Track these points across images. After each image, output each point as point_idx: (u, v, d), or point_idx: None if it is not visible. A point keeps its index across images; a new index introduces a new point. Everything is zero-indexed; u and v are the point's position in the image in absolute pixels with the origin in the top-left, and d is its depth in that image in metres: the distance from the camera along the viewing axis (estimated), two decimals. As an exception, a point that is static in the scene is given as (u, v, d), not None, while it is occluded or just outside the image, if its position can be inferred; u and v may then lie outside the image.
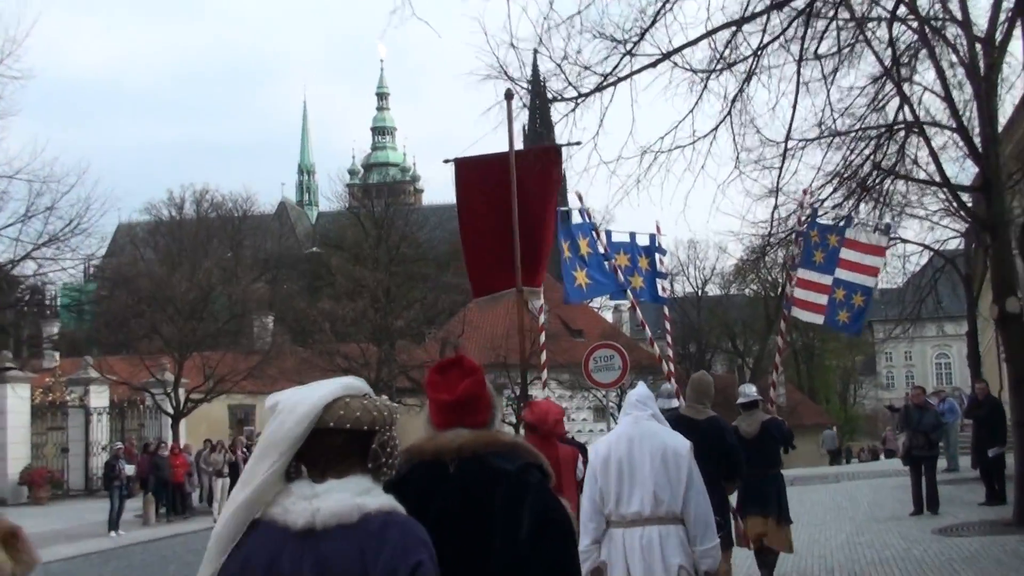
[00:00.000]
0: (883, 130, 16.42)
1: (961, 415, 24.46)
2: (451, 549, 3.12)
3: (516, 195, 11.26)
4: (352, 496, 2.59)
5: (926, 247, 25.78)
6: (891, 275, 27.12)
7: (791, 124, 13.61)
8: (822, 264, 13.37)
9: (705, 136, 12.89)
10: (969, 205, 17.59)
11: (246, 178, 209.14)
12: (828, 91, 14.44)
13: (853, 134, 16.60)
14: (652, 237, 13.91)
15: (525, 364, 11.40)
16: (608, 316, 67.34)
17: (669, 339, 14.33)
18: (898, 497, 19.38)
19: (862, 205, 18.24)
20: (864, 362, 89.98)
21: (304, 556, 2.53)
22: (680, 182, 35.79)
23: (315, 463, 2.66)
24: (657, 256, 13.94)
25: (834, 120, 15.29)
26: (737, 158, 13.38)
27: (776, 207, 14.96)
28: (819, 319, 13.72)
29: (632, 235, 13.86)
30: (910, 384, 68.56)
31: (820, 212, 14.83)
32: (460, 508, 3.29)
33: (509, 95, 11.54)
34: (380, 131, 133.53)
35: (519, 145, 12.41)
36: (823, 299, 13.33)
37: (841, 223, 13.99)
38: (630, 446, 6.17)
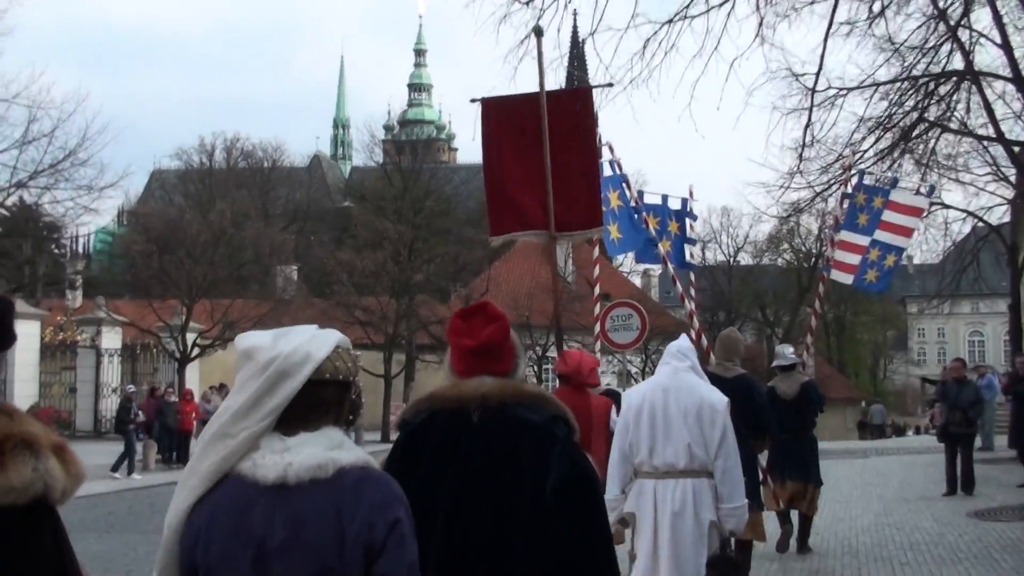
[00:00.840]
0: (932, 79, 15.17)
1: (999, 391, 23.30)
2: (474, 501, 3.13)
3: (547, 136, 10.70)
4: (325, 450, 2.49)
5: (970, 214, 24.16)
6: (931, 246, 25.57)
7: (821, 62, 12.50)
8: (864, 226, 13.16)
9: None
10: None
11: (281, 132, 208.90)
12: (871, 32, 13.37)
13: (898, 84, 15.43)
14: (684, 201, 13.75)
15: (558, 313, 11.12)
16: (637, 280, 66.38)
17: (692, 305, 13.42)
18: (931, 476, 18.10)
19: (904, 161, 17.21)
20: (896, 337, 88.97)
21: (276, 512, 2.43)
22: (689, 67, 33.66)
23: (288, 415, 2.52)
24: (688, 221, 13.78)
25: (878, 67, 14.24)
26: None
27: (801, 156, 13.95)
28: (849, 279, 13.56)
29: (664, 198, 13.71)
30: (942, 361, 67.42)
31: (860, 164, 13.84)
32: (483, 459, 3.19)
33: (539, 31, 11.04)
34: (416, 88, 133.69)
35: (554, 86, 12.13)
36: (856, 259, 13.15)
37: (887, 186, 13.73)
38: (665, 397, 6.02)
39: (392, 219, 46.81)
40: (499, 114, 11.13)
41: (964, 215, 23.82)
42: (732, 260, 68.45)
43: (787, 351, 11.45)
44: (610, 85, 15.28)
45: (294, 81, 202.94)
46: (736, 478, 5.95)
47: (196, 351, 35.76)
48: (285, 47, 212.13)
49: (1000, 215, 25.83)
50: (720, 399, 6.05)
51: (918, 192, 14.26)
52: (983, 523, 13.17)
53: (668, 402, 5.99)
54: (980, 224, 25.11)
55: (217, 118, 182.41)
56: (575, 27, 40.12)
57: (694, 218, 14.01)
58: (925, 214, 15.13)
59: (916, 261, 79.83)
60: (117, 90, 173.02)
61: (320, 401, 2.56)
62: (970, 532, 12.44)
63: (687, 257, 13.92)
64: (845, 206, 13.59)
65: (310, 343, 2.57)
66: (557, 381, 7.72)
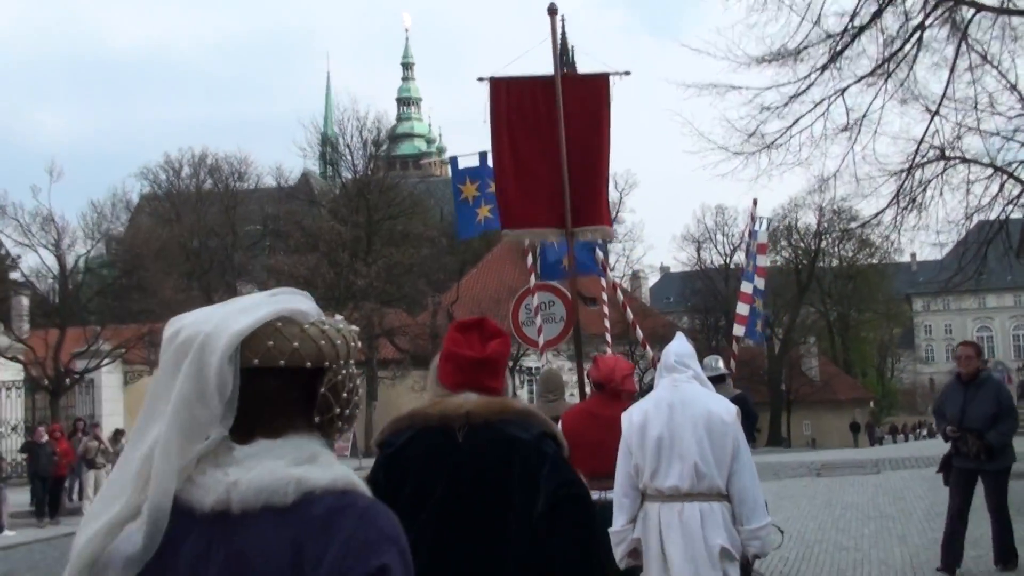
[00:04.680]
0: None
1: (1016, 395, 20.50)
2: (460, 525, 3.10)
3: (563, 122, 10.27)
4: (288, 465, 1.82)
5: (997, 169, 20.12)
6: (948, 212, 22.35)
7: None
8: (749, 274, 12.63)
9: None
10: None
11: (273, 151, 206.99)
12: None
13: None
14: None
15: (575, 317, 10.61)
16: (626, 283, 64.23)
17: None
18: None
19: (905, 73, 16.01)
20: (902, 335, 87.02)
21: (212, 549, 1.80)
22: None
23: (239, 417, 1.85)
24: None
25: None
26: None
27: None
28: (740, 331, 12.55)
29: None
30: (952, 360, 65.31)
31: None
32: (471, 480, 3.14)
33: (552, 10, 10.71)
34: (405, 101, 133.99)
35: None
36: (745, 309, 12.43)
37: (756, 227, 13.02)
38: (670, 413, 5.54)
39: (341, 224, 44.44)
40: (509, 95, 10.58)
41: (990, 170, 20.01)
42: (728, 260, 66.12)
43: (715, 362, 10.16)
44: (627, 73, 14.16)
45: (280, 100, 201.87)
46: (755, 496, 5.40)
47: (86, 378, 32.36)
48: (272, 66, 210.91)
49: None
50: (728, 410, 5.55)
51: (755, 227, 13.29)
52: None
53: (673, 419, 5.50)
54: (990, 218, 21.43)
55: (207, 139, 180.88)
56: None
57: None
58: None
59: (918, 251, 78.33)
60: (108, 115, 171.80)
61: (258, 397, 1.86)
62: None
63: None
64: (747, 255, 12.99)
65: (227, 313, 1.87)
66: (588, 388, 7.48)
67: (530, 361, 26.53)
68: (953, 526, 9.45)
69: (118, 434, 23.60)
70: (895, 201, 19.11)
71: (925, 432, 58.39)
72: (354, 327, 2.03)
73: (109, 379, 34.82)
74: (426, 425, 3.21)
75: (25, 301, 37.66)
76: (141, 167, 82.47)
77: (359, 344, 2.02)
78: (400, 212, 51.06)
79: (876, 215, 20.08)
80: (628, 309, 12.60)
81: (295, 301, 1.95)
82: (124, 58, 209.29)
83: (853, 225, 24.52)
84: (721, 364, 10.20)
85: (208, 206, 67.25)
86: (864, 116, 17.99)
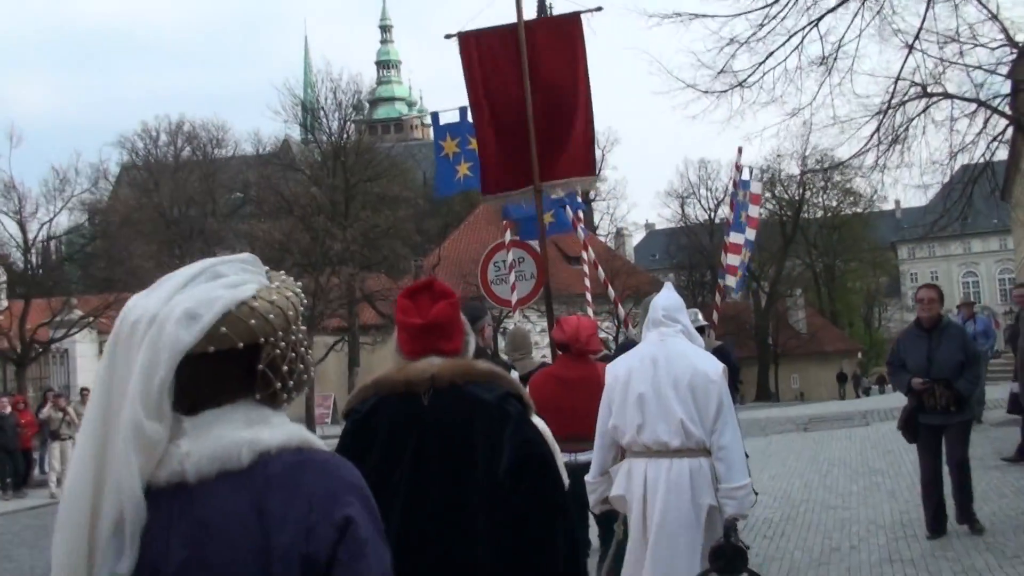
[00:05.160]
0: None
1: (997, 338, 19.85)
2: (428, 487, 3.10)
3: (528, 73, 9.97)
4: (237, 428, 1.80)
5: (982, 104, 19.14)
6: (932, 151, 21.58)
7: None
8: (741, 224, 12.38)
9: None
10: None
11: (253, 119, 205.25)
12: None
13: None
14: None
15: (546, 278, 10.31)
16: (610, 243, 63.96)
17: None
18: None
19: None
20: (888, 284, 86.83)
21: (173, 522, 1.77)
22: None
23: (180, 394, 1.80)
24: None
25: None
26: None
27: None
28: (734, 282, 12.50)
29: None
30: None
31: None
32: (437, 442, 3.15)
33: None
34: (385, 65, 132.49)
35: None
36: (737, 260, 12.25)
37: (743, 176, 12.74)
38: (655, 368, 5.37)
39: (317, 188, 43.62)
40: (479, 49, 10.30)
41: (973, 106, 19.09)
42: (712, 215, 65.71)
43: (694, 315, 9.12)
44: (599, 9, 13.61)
45: (258, 68, 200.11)
46: (736, 455, 5.28)
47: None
48: (249, 34, 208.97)
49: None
50: (715, 367, 5.41)
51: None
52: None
53: (657, 374, 5.36)
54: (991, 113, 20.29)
55: (183, 109, 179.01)
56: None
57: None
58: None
59: (903, 198, 77.86)
60: (85, 86, 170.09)
61: (195, 379, 1.81)
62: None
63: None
64: (733, 205, 12.49)
65: (159, 296, 1.85)
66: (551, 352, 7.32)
67: (510, 323, 26.04)
68: (931, 488, 8.80)
69: (84, 393, 23.18)
70: (876, 140, 18.45)
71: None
72: (297, 287, 1.98)
73: (84, 348, 34.41)
74: (392, 391, 3.20)
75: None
76: (118, 136, 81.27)
77: (301, 309, 1.97)
78: (377, 174, 50.11)
79: (858, 153, 19.35)
80: (600, 268, 12.22)
81: (224, 285, 1.87)
82: (98, 27, 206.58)
83: (835, 166, 23.50)
84: (700, 316, 9.57)
85: (188, 174, 66.38)
86: (839, 47, 17.24)
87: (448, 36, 10.51)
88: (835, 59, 17.19)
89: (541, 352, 17.79)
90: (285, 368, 1.91)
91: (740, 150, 13.12)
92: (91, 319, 32.71)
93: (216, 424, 1.81)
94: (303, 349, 1.97)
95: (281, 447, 1.81)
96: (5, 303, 35.25)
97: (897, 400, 12.84)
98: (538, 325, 27.74)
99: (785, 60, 17.27)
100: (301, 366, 1.95)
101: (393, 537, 2.58)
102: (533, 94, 9.91)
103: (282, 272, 2.02)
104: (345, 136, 50.98)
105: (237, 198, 68.50)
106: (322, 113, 51.30)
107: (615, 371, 5.59)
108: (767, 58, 17.22)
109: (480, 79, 10.30)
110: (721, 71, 17.11)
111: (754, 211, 12.85)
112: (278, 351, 1.89)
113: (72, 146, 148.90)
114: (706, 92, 17.22)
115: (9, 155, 28.25)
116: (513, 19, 10.23)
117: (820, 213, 67.11)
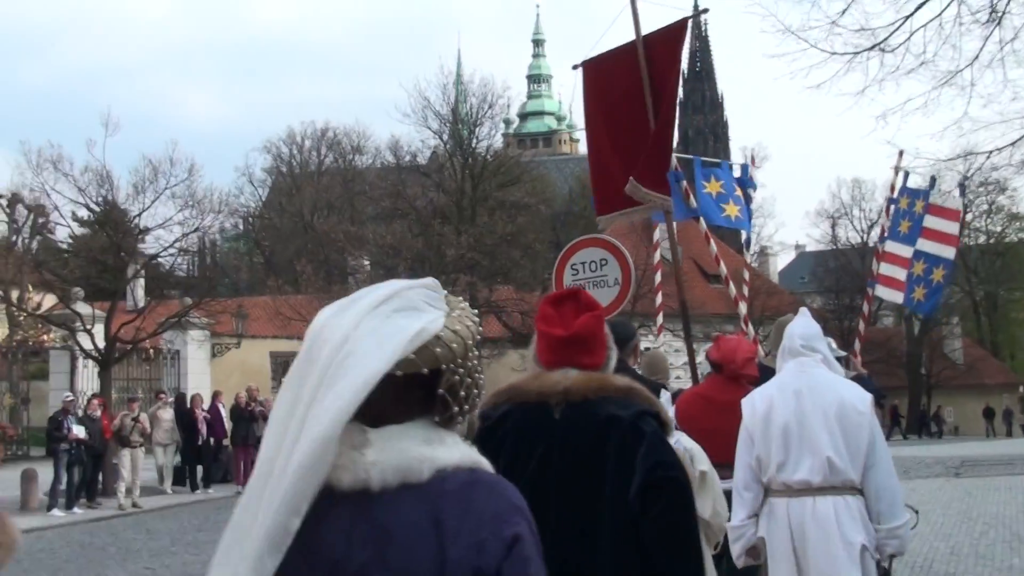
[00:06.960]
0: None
1: None
2: (552, 505, 3.01)
3: (649, 88, 9.84)
4: (419, 445, 1.95)
5: None
6: None
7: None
8: (906, 235, 11.86)
9: None
10: None
11: (396, 127, 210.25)
12: None
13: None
14: (744, 168, 12.10)
15: (683, 296, 10.08)
16: (754, 261, 62.00)
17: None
18: None
19: None
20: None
21: (355, 525, 1.91)
22: None
23: (363, 408, 1.91)
24: (749, 190, 12.07)
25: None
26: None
27: None
28: (899, 297, 12.07)
29: (726, 164, 12.33)
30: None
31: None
32: (565, 459, 3.08)
33: None
34: (536, 79, 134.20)
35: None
36: (903, 274, 11.76)
37: (927, 187, 12.23)
38: (797, 401, 5.10)
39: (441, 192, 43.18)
40: (597, 75, 10.35)
41: None
42: (865, 237, 63.28)
43: (830, 343, 8.93)
44: (706, 11, 13.12)
45: (412, 80, 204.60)
46: (894, 492, 5.01)
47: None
48: (403, 46, 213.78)
49: None
50: (862, 397, 5.13)
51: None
52: None
53: (802, 407, 5.10)
54: None
55: (329, 116, 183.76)
56: None
57: (754, 187, 12.01)
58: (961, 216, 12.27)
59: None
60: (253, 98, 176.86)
61: (387, 398, 1.94)
62: None
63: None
64: (891, 212, 12.23)
65: (353, 316, 1.98)
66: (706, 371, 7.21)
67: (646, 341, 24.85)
68: None
69: (160, 396, 23.89)
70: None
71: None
72: (475, 315, 2.10)
73: (196, 351, 34.82)
74: (524, 400, 3.17)
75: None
76: (264, 141, 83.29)
77: (478, 337, 2.07)
78: (509, 181, 50.07)
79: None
80: (731, 283, 11.67)
81: (416, 318, 1.99)
82: (262, 41, 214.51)
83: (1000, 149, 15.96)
84: (835, 345, 8.65)
85: (329, 179, 67.78)
86: None
87: (575, 67, 10.57)
88: (1006, 10, 13.65)
89: (676, 374, 17.10)
90: (462, 393, 2.04)
91: (901, 153, 12.39)
92: (211, 322, 33.11)
93: (400, 439, 1.93)
94: (477, 375, 2.08)
95: (456, 466, 1.95)
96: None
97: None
98: (672, 346, 26.58)
99: (941, 14, 13.74)
100: (475, 391, 2.07)
101: None
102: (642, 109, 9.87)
103: (460, 298, 2.11)
104: (488, 145, 50.85)
105: (381, 207, 69.20)
106: (470, 124, 51.00)
107: (753, 403, 5.33)
108: (917, 9, 13.75)
109: (597, 103, 10.29)
110: (857, 30, 14.03)
111: (952, 228, 11.92)
112: (456, 377, 2.02)
113: (226, 152, 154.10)
114: (834, 54, 14.09)
115: (104, 143, 27.66)
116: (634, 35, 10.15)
117: (983, 238, 63.95)
